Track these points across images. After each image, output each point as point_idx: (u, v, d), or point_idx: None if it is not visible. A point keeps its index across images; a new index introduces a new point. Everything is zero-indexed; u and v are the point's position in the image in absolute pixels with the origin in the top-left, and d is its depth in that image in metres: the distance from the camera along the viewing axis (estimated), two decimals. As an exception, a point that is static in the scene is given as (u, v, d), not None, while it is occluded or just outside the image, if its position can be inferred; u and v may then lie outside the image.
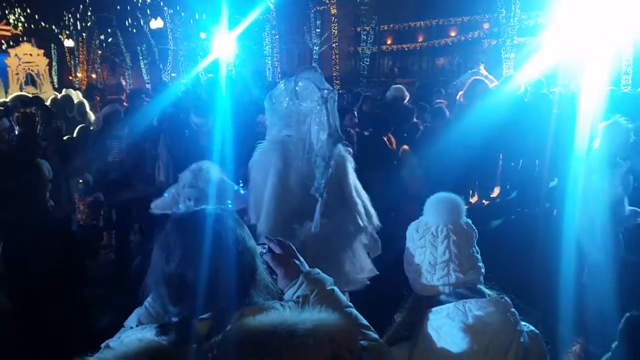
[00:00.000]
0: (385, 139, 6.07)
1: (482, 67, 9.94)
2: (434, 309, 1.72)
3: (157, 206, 3.51)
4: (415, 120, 7.21)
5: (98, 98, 14.17)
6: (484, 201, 8.05)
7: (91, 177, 5.92)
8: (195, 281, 1.34)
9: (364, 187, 4.04)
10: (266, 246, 1.61)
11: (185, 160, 3.97)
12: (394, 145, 6.11)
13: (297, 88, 3.43)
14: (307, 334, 1.01)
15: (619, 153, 4.47)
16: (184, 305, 1.35)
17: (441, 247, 1.75)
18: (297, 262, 1.59)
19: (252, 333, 1.03)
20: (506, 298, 1.71)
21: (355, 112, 6.95)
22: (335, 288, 1.54)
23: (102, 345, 1.38)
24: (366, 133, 6.46)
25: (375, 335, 1.50)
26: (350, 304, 1.55)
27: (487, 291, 1.75)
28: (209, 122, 5.60)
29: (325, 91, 3.41)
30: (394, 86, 7.90)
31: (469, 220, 1.85)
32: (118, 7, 28.43)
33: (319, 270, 1.58)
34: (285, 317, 1.04)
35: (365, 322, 1.52)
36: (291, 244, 1.64)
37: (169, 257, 1.39)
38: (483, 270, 1.80)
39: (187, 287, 1.35)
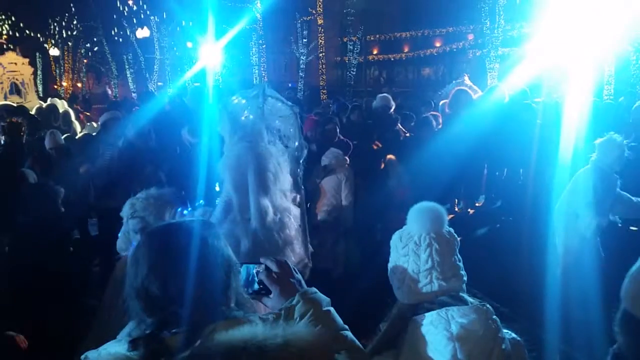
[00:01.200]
0: (374, 147, 6.11)
1: (466, 78, 10.04)
2: (417, 317, 1.74)
3: (120, 248, 3.33)
4: (397, 128, 7.25)
5: (78, 107, 14.06)
6: (469, 210, 8.12)
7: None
8: (162, 295, 1.35)
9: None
10: (263, 265, 1.59)
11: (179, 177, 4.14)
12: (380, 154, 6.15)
13: (264, 106, 3.69)
14: (276, 349, 0.98)
15: (614, 166, 4.57)
16: (154, 318, 1.35)
17: (424, 256, 1.78)
18: (293, 281, 1.57)
19: (222, 349, 1.00)
20: (488, 305, 1.73)
21: (338, 122, 6.97)
22: (332, 309, 1.52)
23: (82, 357, 1.38)
24: (354, 142, 6.49)
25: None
26: (346, 326, 1.52)
27: (470, 299, 1.78)
28: (202, 140, 5.64)
29: (296, 107, 3.87)
30: (380, 95, 7.94)
31: (451, 229, 1.87)
32: (104, 16, 28.33)
33: (315, 290, 1.55)
34: (257, 332, 1.01)
35: (359, 345, 1.50)
36: (288, 262, 1.62)
37: (137, 271, 1.39)
38: (465, 278, 1.83)
39: (154, 301, 1.35)
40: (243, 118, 3.68)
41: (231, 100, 3.75)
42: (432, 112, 8.47)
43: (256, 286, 1.58)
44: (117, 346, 1.37)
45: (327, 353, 1.18)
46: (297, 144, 4.00)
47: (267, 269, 1.58)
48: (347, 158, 5.59)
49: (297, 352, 0.99)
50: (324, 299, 1.53)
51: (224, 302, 1.42)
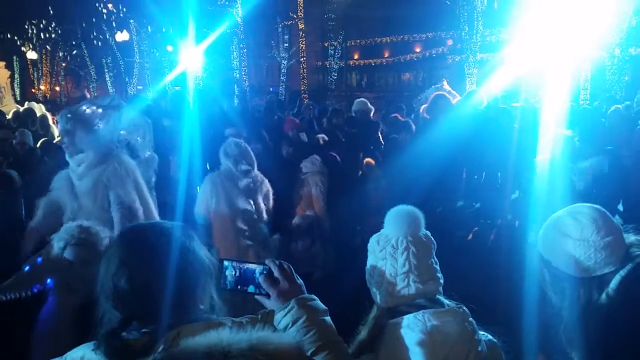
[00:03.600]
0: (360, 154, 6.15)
1: (445, 83, 10.14)
2: (394, 320, 1.75)
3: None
4: (378, 133, 7.31)
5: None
6: (448, 213, 8.17)
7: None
8: (128, 292, 1.35)
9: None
10: (266, 266, 1.59)
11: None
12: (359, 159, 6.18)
13: (118, 115, 3.82)
14: (240, 354, 0.96)
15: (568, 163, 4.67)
16: (114, 319, 1.36)
17: (401, 259, 1.79)
18: (292, 285, 1.56)
19: (185, 354, 0.99)
20: (464, 308, 1.75)
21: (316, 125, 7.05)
22: (328, 319, 1.51)
23: None
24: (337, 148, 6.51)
25: None
26: (341, 338, 1.52)
27: (446, 301, 1.79)
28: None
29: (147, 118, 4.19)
30: (358, 100, 7.98)
31: (428, 232, 1.89)
32: (83, 20, 28.06)
33: (315, 297, 1.55)
34: (222, 338, 0.99)
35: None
36: (291, 266, 1.61)
37: (108, 268, 1.41)
38: (442, 281, 1.85)
39: (121, 298, 1.36)
40: (95, 127, 3.70)
41: (83, 109, 3.73)
42: (395, 115, 8.56)
43: (252, 288, 1.58)
44: (83, 349, 1.36)
45: (301, 357, 1.17)
46: (148, 153, 4.28)
47: (269, 270, 1.58)
48: (323, 165, 5.59)
49: (263, 356, 0.97)
50: (321, 307, 1.52)
51: (194, 303, 1.42)
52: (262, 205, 4.46)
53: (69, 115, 3.65)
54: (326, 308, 1.54)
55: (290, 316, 1.46)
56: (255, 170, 4.38)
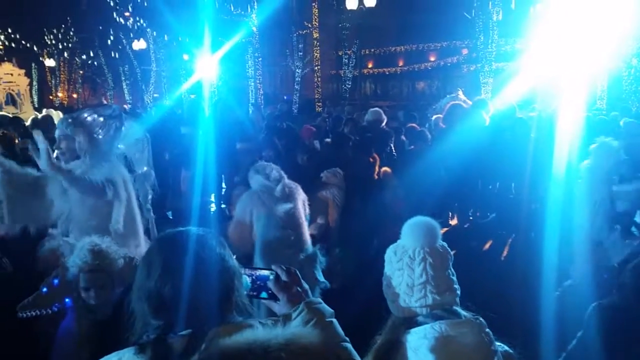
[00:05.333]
0: (371, 159, 6.12)
1: (460, 92, 10.12)
2: (411, 330, 1.75)
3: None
4: (391, 142, 7.30)
5: None
6: (463, 224, 8.14)
7: None
8: (172, 297, 1.39)
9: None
10: (274, 272, 1.65)
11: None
12: (377, 167, 6.16)
13: (121, 126, 3.85)
14: (280, 348, 1.02)
15: (613, 171, 4.54)
16: (161, 321, 1.39)
17: (418, 270, 1.80)
18: (300, 290, 1.63)
19: (228, 352, 1.05)
20: (481, 319, 1.75)
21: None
22: (334, 320, 1.57)
23: None
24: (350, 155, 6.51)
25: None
26: (347, 338, 1.57)
27: (463, 312, 1.80)
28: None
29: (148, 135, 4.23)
30: (371, 109, 8.00)
31: (445, 244, 1.90)
32: (100, 28, 28.43)
33: (320, 300, 1.62)
34: (258, 335, 1.06)
35: (358, 358, 1.55)
36: (297, 271, 1.68)
37: (150, 273, 1.43)
38: (459, 292, 1.85)
39: (165, 303, 1.40)
40: (96, 136, 3.69)
41: (84, 116, 3.73)
42: (412, 125, 8.57)
43: (264, 294, 1.64)
44: (120, 353, 1.40)
45: (328, 353, 1.21)
46: (145, 169, 4.27)
47: (277, 276, 1.64)
48: (343, 180, 5.57)
49: (299, 349, 1.04)
50: (328, 310, 1.59)
51: (228, 308, 1.47)
52: (302, 210, 4.37)
53: (69, 120, 3.65)
54: (332, 311, 1.60)
55: (301, 318, 1.52)
56: (287, 179, 4.31)
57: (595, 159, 4.53)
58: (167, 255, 1.45)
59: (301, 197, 4.39)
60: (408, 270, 1.81)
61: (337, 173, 5.52)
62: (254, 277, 1.65)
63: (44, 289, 2.81)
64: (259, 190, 4.19)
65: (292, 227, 4.21)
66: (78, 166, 3.62)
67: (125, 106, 20.81)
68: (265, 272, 1.65)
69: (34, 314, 2.75)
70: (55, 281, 2.79)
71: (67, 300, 2.70)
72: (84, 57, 32.46)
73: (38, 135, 3.33)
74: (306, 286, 1.66)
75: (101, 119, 3.76)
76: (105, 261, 2.62)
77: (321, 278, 4.16)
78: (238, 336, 1.07)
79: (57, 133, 3.72)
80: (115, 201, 3.61)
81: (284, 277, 1.63)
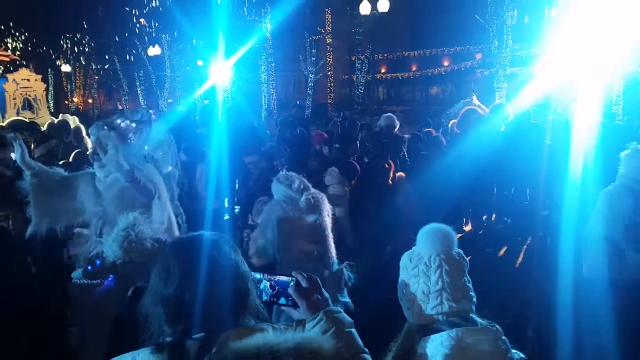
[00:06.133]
0: (386, 165, 6.12)
1: (474, 97, 10.08)
2: (427, 338, 1.74)
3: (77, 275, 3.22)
4: (405, 147, 7.29)
5: None
6: (478, 230, 8.09)
7: None
8: (192, 303, 1.40)
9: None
10: (294, 279, 1.64)
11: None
12: (392, 173, 6.16)
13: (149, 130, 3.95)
14: (288, 352, 1.03)
15: None
16: (179, 326, 1.40)
17: (434, 277, 1.79)
18: (320, 297, 1.61)
19: (237, 355, 1.06)
20: (497, 326, 1.74)
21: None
22: (354, 331, 1.56)
23: None
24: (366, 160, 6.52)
25: None
26: (366, 350, 1.56)
27: (480, 320, 1.78)
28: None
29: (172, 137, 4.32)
30: (385, 115, 8.00)
31: (461, 251, 1.89)
32: (116, 34, 28.74)
33: (341, 310, 1.60)
34: (269, 339, 1.07)
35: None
36: (318, 279, 1.66)
37: (168, 280, 1.44)
38: (475, 300, 1.84)
39: (184, 309, 1.41)
40: (129, 141, 3.76)
41: (118, 123, 3.80)
42: (428, 130, 8.55)
43: (283, 300, 1.64)
44: (134, 353, 1.42)
45: (340, 356, 1.26)
46: (170, 169, 4.35)
47: (297, 283, 1.63)
48: (342, 175, 5.50)
49: (308, 354, 1.04)
50: (348, 320, 1.57)
51: (243, 312, 1.48)
52: (328, 222, 4.19)
53: (105, 128, 3.73)
54: (352, 321, 1.58)
55: (320, 327, 1.51)
56: (312, 189, 4.20)
57: (627, 169, 4.33)
58: (185, 262, 1.46)
59: (327, 207, 4.20)
60: (424, 277, 1.81)
61: (332, 172, 5.48)
62: (273, 283, 1.65)
63: (89, 267, 3.07)
64: (282, 201, 4.08)
65: (317, 240, 4.04)
66: (111, 171, 3.66)
67: (150, 111, 21.03)
68: (286, 279, 1.65)
69: (84, 282, 3.06)
70: (98, 262, 2.99)
71: (110, 276, 2.88)
72: (99, 62, 32.81)
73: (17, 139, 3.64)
74: (327, 295, 1.64)
75: (133, 124, 3.84)
76: (135, 254, 2.73)
77: (344, 299, 4.02)
78: (249, 340, 1.08)
79: (93, 139, 3.79)
80: (157, 201, 3.74)
81: (304, 284, 1.63)
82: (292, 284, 1.63)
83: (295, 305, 1.60)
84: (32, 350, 3.32)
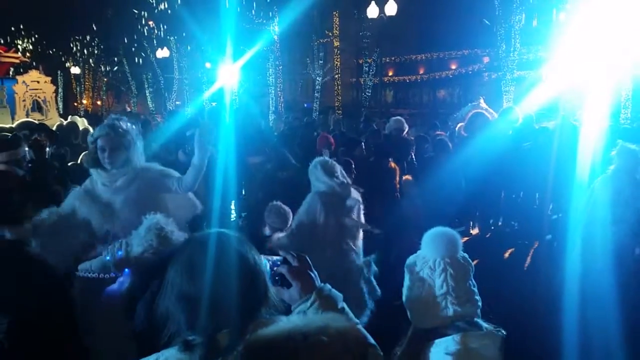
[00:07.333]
0: (392, 165, 6.09)
1: (482, 100, 10.05)
2: (432, 342, 1.74)
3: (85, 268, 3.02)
4: (412, 151, 7.28)
5: None
6: (485, 233, 8.06)
7: None
8: (220, 298, 1.41)
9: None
10: (280, 259, 1.63)
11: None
12: (398, 176, 6.15)
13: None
14: (318, 332, 1.09)
15: (634, 174, 4.46)
16: (208, 322, 1.40)
17: (439, 281, 1.79)
18: (312, 275, 1.60)
19: (270, 340, 1.12)
20: (502, 331, 1.73)
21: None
22: (345, 306, 1.58)
23: None
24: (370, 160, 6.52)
25: (380, 353, 1.51)
26: (358, 320, 1.57)
27: (485, 324, 1.78)
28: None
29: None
30: (393, 118, 8.00)
31: (466, 255, 1.89)
32: (125, 37, 28.89)
33: (330, 287, 1.59)
34: (296, 323, 1.14)
35: (372, 339, 1.51)
36: (307, 257, 1.64)
37: (192, 277, 1.44)
38: (480, 304, 1.83)
39: (211, 304, 1.41)
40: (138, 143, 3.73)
41: (129, 125, 3.80)
42: (439, 132, 8.54)
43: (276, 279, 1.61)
44: (159, 352, 1.43)
45: (361, 336, 1.31)
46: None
47: (287, 262, 1.61)
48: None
49: (336, 332, 1.11)
50: (338, 295, 1.58)
51: (265, 305, 1.50)
52: (357, 217, 4.25)
53: (122, 126, 3.70)
54: (341, 295, 1.58)
55: (314, 309, 1.50)
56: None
57: (619, 163, 4.46)
58: (212, 257, 1.45)
59: (359, 205, 4.22)
60: (428, 281, 1.81)
61: None
62: (271, 262, 1.62)
63: (107, 257, 2.88)
64: (325, 192, 3.98)
65: (350, 236, 4.07)
66: (118, 175, 3.57)
67: (157, 116, 21.18)
68: (273, 258, 1.63)
69: (92, 275, 2.89)
70: (120, 253, 2.85)
71: (126, 270, 2.81)
72: (108, 64, 33.01)
73: None
74: (315, 273, 1.62)
75: (134, 127, 3.85)
76: (167, 247, 2.68)
77: (366, 297, 3.97)
78: (275, 327, 1.15)
79: (100, 141, 3.64)
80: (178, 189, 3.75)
81: (294, 263, 1.60)
82: (275, 263, 1.60)
83: (287, 285, 1.57)
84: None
